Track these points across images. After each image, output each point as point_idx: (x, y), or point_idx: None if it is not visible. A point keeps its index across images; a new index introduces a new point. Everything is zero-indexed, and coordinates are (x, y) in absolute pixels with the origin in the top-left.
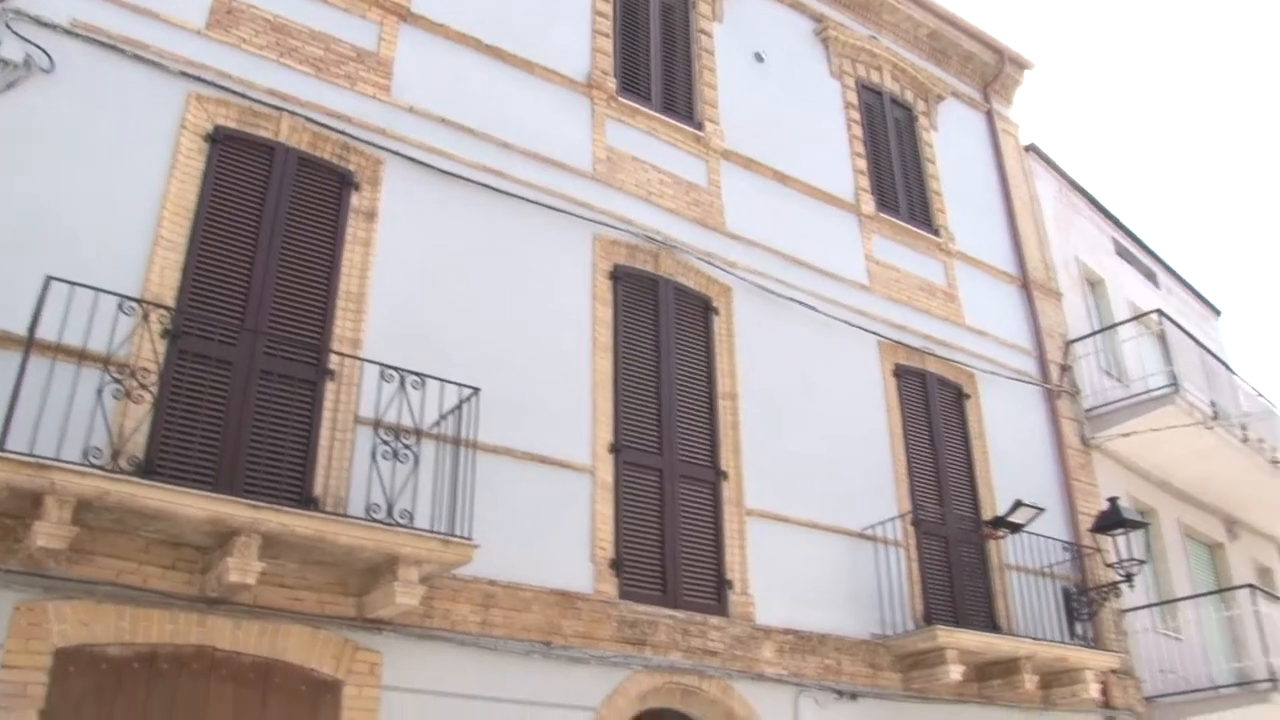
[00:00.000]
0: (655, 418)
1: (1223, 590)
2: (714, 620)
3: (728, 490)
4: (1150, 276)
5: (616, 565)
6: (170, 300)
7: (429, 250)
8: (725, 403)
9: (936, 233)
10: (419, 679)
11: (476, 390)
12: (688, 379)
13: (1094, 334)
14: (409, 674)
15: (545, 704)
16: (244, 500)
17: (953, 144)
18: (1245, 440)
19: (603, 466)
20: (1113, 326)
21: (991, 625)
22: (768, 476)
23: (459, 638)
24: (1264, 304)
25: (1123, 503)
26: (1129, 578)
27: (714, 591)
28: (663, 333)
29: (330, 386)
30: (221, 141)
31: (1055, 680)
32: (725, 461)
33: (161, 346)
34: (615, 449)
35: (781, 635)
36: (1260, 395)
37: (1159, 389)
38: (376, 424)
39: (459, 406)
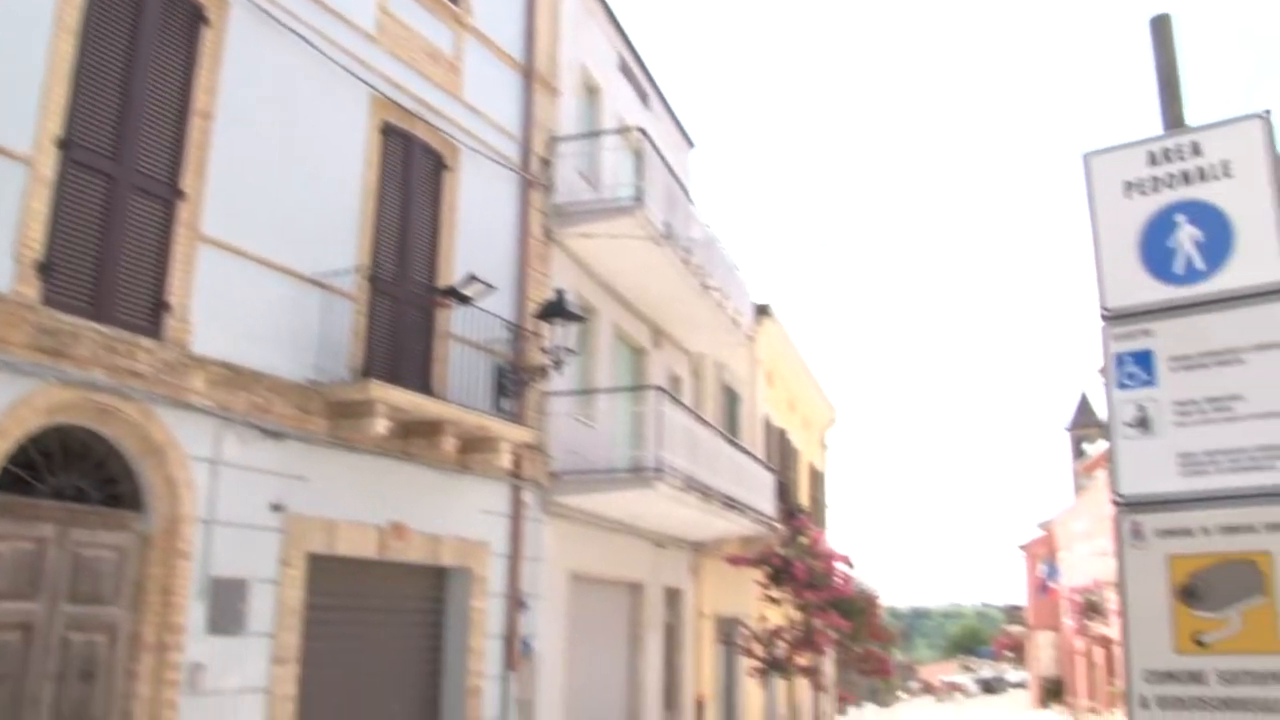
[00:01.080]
0: (116, 121)
1: (636, 389)
2: (145, 342)
3: (183, 211)
4: (643, 97)
5: (44, 269)
6: None
7: None
8: (198, 121)
9: (455, 1)
10: None
11: None
12: (162, 88)
13: (579, 137)
14: None
15: None
16: None
17: None
18: (686, 264)
19: (45, 160)
20: (598, 134)
21: (425, 388)
22: (229, 206)
23: None
24: (729, 144)
25: (568, 297)
26: (558, 364)
27: (150, 313)
28: (144, 33)
29: None
30: None
31: (474, 446)
32: (186, 181)
33: None
34: (64, 145)
35: (215, 367)
36: (708, 227)
37: (624, 200)
38: None
39: None
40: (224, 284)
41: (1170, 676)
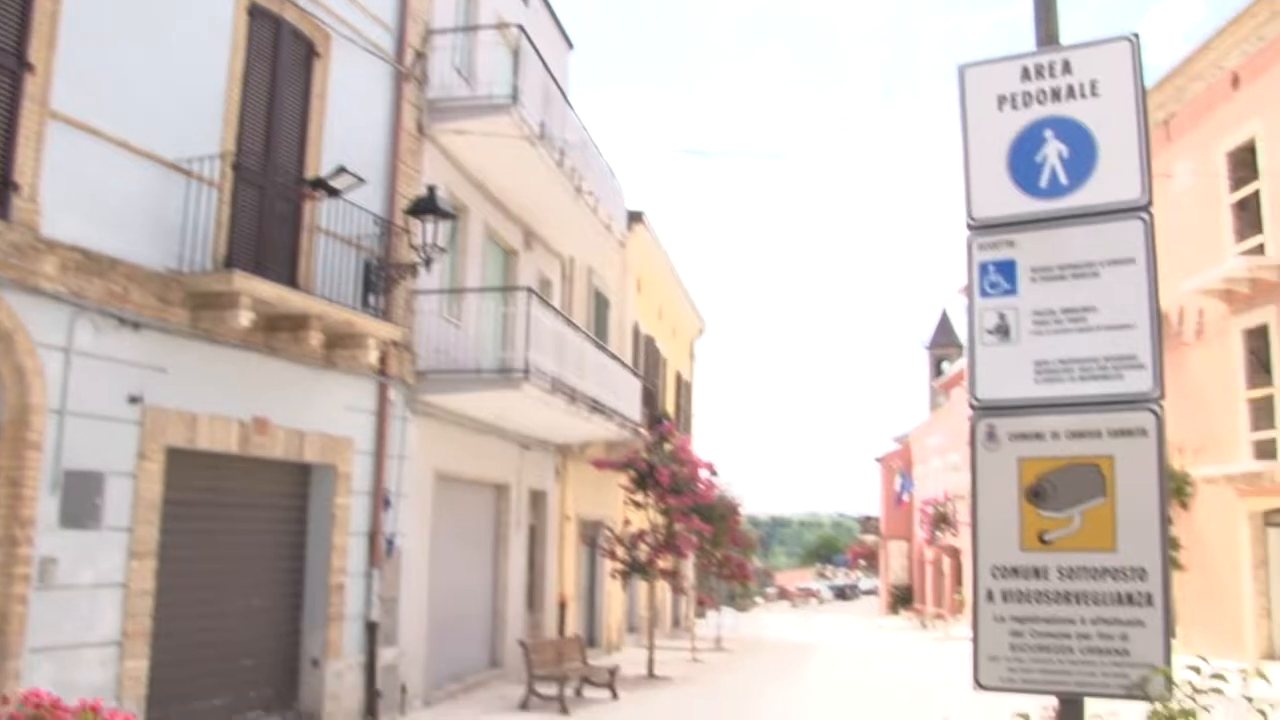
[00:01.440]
0: None
1: (506, 289)
2: None
3: (31, 86)
4: None
5: None
6: None
7: None
8: None
9: None
10: None
11: None
12: None
13: (456, 30)
14: None
15: None
16: None
17: None
18: (560, 166)
19: None
20: (475, 29)
21: (291, 281)
22: (85, 82)
23: None
24: (611, 47)
25: (440, 193)
26: (428, 262)
27: None
28: None
29: None
30: None
31: (340, 342)
32: (34, 53)
33: None
34: None
35: (68, 251)
36: (584, 130)
37: (500, 98)
38: None
39: None
40: (78, 165)
41: (1015, 572)
